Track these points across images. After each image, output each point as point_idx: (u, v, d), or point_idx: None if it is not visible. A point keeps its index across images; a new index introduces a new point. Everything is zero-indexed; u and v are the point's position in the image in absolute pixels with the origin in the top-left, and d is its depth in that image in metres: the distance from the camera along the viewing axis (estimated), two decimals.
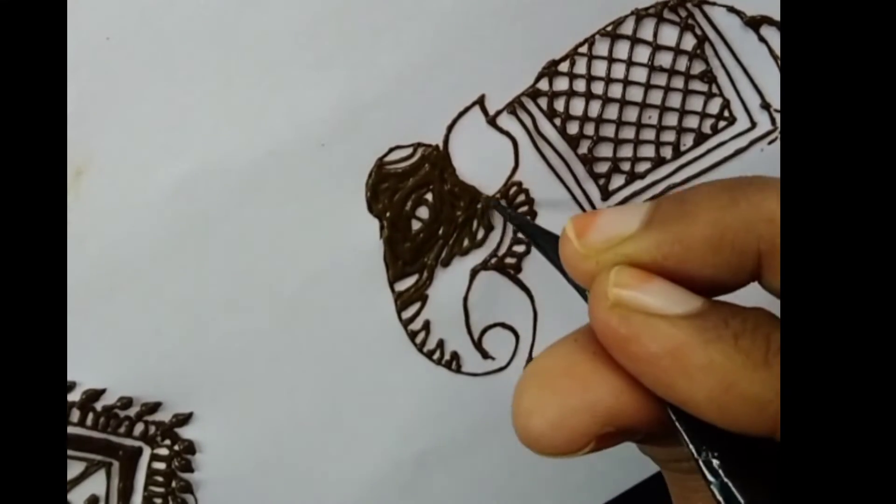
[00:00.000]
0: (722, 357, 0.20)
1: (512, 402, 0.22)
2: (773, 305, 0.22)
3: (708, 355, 0.20)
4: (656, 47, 0.35)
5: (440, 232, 0.35)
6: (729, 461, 0.20)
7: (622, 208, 0.23)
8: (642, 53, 0.35)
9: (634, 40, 0.35)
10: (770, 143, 0.37)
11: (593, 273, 0.22)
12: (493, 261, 0.36)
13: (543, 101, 0.35)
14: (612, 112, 0.35)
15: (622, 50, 0.35)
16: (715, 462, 0.20)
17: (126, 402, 0.34)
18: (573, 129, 0.35)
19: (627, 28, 0.35)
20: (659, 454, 0.25)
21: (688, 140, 0.36)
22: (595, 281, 0.22)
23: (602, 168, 0.36)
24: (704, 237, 0.21)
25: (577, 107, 0.35)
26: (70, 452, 0.35)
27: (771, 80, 0.36)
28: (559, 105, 0.35)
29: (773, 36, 0.36)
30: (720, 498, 0.20)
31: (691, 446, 0.21)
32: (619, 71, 0.35)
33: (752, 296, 0.22)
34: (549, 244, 0.25)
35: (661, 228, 0.22)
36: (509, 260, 0.36)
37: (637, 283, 0.21)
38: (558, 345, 0.23)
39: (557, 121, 0.35)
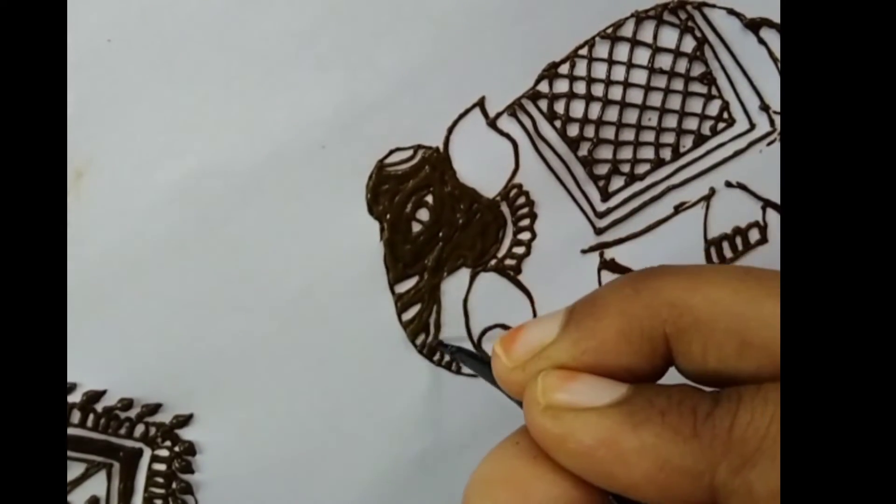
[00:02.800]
0: (652, 437, 0.21)
1: None
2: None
3: (639, 437, 0.21)
4: (656, 49, 0.35)
5: (440, 234, 0.35)
6: None
7: (542, 318, 0.24)
8: (642, 56, 0.35)
9: (634, 42, 0.35)
10: (769, 144, 0.37)
11: (523, 382, 0.23)
12: (493, 262, 0.36)
13: (543, 104, 0.35)
14: (611, 114, 0.35)
15: (622, 52, 0.35)
16: None
17: (126, 404, 0.34)
18: (573, 131, 0.35)
19: (627, 30, 0.35)
20: None
21: (687, 142, 0.36)
22: (526, 390, 0.23)
23: (602, 170, 0.36)
24: (614, 328, 0.23)
25: (577, 109, 0.35)
26: (70, 454, 0.35)
27: (770, 83, 0.36)
28: (559, 107, 0.35)
29: (773, 38, 0.36)
30: None
31: None
32: (618, 73, 0.35)
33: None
34: (486, 366, 0.26)
35: (575, 328, 0.23)
36: (509, 262, 0.36)
37: (563, 384, 0.23)
38: (500, 449, 0.24)
39: (557, 123, 0.35)
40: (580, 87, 0.35)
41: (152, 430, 0.35)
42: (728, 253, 0.38)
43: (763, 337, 0.21)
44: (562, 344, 0.23)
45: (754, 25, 0.35)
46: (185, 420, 0.35)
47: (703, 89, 0.36)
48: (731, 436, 0.20)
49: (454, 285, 0.36)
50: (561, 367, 0.23)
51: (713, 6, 0.35)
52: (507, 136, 0.35)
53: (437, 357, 0.37)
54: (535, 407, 0.23)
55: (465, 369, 0.37)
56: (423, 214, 0.35)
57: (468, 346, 0.37)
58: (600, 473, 0.21)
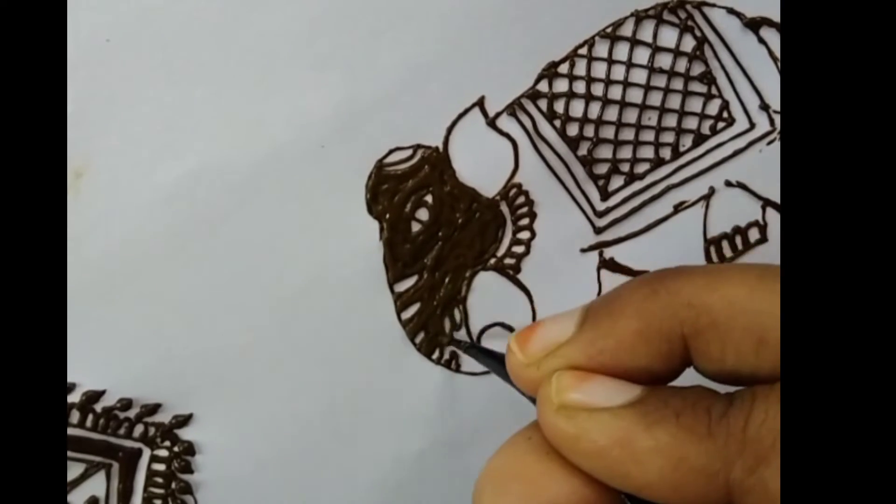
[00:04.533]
0: (667, 436, 0.21)
1: (472, 501, 0.24)
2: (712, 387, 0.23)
3: (653, 437, 0.21)
4: (656, 49, 0.35)
5: (440, 233, 0.35)
6: None
7: (558, 316, 0.24)
8: (642, 55, 0.35)
9: (634, 42, 0.35)
10: (769, 143, 0.37)
11: (537, 380, 0.23)
12: (493, 261, 0.36)
13: (543, 103, 0.35)
14: (611, 113, 0.35)
15: (622, 51, 0.35)
16: None
17: (126, 404, 0.34)
18: (573, 130, 0.35)
19: (627, 30, 0.35)
20: None
21: (687, 141, 0.36)
22: (540, 389, 0.23)
23: (601, 169, 0.36)
24: (632, 329, 0.23)
25: (577, 108, 0.35)
26: (70, 454, 0.35)
27: (770, 82, 0.36)
28: (559, 107, 0.35)
29: (773, 37, 0.36)
30: None
31: None
32: (618, 72, 0.35)
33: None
34: (500, 363, 0.26)
35: (592, 327, 0.23)
36: (508, 261, 0.36)
37: (577, 384, 0.23)
38: (512, 443, 0.24)
39: (557, 122, 0.35)
40: (580, 87, 0.35)
41: (151, 430, 0.35)
42: (728, 252, 0.38)
43: (780, 336, 0.21)
44: (578, 343, 0.23)
45: (754, 24, 0.35)
46: (184, 420, 0.35)
47: (702, 88, 0.36)
48: (745, 435, 0.20)
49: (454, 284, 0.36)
50: (576, 366, 0.23)
51: (713, 5, 0.35)
52: (507, 135, 0.35)
53: (436, 356, 0.37)
54: (549, 406, 0.23)
55: (465, 368, 0.37)
56: (423, 214, 0.35)
57: (467, 341, 0.37)
58: (614, 473, 0.21)
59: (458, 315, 0.36)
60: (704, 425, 0.21)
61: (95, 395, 0.34)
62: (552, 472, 0.23)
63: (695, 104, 0.36)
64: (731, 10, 0.35)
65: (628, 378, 0.23)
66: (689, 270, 0.23)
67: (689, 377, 0.23)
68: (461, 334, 0.37)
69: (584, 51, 0.35)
